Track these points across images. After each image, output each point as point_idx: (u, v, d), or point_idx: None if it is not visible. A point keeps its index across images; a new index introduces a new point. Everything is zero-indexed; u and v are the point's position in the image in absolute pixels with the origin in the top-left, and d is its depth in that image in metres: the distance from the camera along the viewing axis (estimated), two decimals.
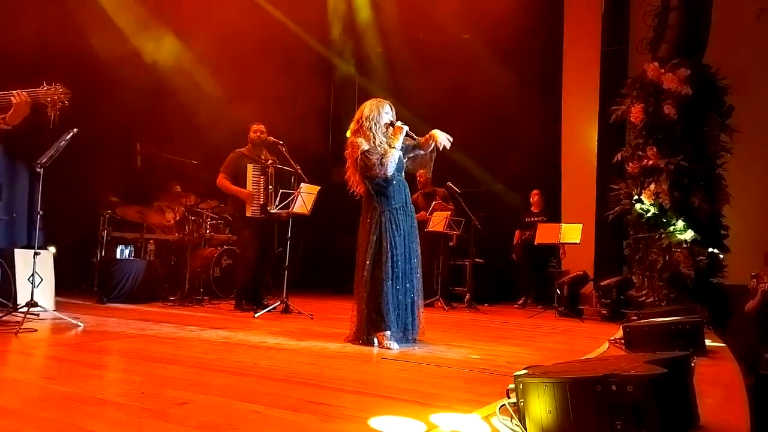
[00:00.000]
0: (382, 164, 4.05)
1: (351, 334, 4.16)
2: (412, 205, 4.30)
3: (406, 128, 4.18)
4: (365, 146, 4.09)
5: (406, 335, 4.08)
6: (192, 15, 8.16)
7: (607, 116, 6.48)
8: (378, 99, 4.30)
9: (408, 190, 4.29)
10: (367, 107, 4.21)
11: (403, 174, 4.28)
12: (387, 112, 4.20)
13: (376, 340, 3.98)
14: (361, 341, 4.04)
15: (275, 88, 8.84)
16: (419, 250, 4.23)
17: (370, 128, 4.13)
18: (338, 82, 10.31)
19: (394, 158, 4.10)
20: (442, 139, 4.21)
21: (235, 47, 8.43)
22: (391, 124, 4.19)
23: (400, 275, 4.03)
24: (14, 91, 3.53)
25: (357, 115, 4.24)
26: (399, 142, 4.15)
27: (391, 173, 4.10)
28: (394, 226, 4.07)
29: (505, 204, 8.82)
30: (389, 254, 4.00)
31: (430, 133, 4.25)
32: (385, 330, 3.96)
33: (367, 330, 4.02)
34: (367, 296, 4.01)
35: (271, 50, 9.04)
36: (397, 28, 9.18)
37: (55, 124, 3.67)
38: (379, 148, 4.10)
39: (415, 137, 4.26)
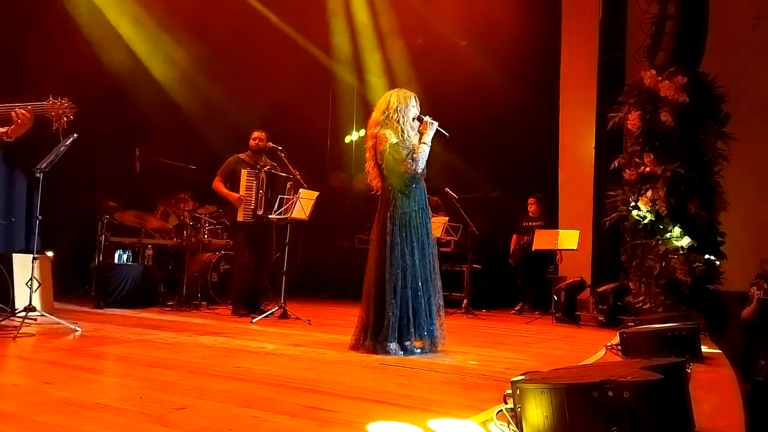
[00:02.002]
0: (413, 159, 3.90)
1: (354, 341, 3.97)
2: (429, 208, 4.13)
3: (436, 124, 4.02)
4: (394, 139, 3.92)
5: (433, 342, 3.94)
6: (192, 21, 8.18)
7: (604, 123, 6.51)
8: (404, 90, 4.11)
9: (426, 192, 4.13)
10: (394, 98, 4.02)
11: (423, 177, 4.11)
12: (413, 106, 4.05)
13: (390, 347, 3.80)
14: (371, 349, 3.85)
15: (274, 93, 8.87)
16: (436, 254, 4.08)
17: (398, 120, 3.97)
18: (337, 88, 10.34)
19: (424, 154, 3.95)
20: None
21: (235, 54, 8.46)
22: (419, 119, 4.03)
23: (421, 281, 3.89)
24: (16, 108, 3.51)
25: (382, 105, 4.05)
26: (429, 137, 3.99)
27: (421, 169, 3.96)
28: (413, 230, 3.92)
29: (502, 210, 8.85)
30: (410, 261, 3.86)
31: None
32: (400, 339, 3.82)
33: (380, 338, 3.83)
34: (384, 303, 3.83)
35: (270, 56, 9.07)
36: (395, 34, 9.21)
37: (61, 136, 3.69)
38: (407, 141, 3.96)
39: (447, 133, 4.07)
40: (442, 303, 4.07)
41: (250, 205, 6.14)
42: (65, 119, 3.61)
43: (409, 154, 3.92)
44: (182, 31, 8.32)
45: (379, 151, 3.97)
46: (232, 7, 8.38)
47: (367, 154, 4.11)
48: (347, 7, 9.52)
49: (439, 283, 4.07)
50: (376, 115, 4.08)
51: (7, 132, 3.53)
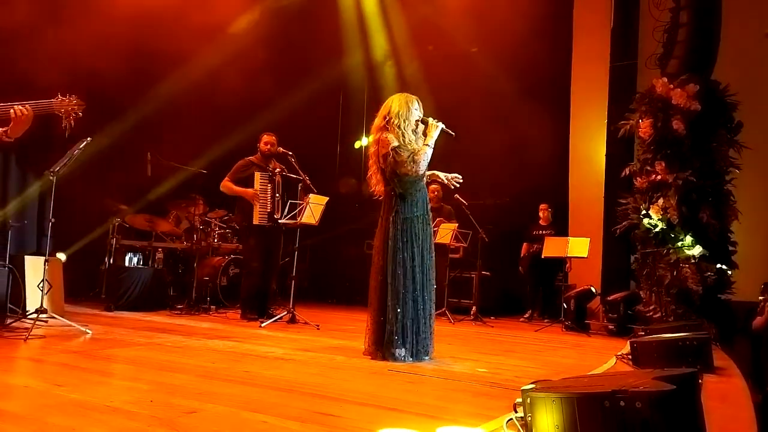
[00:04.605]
0: (414, 161, 3.89)
1: (367, 348, 3.98)
2: (430, 215, 4.13)
3: (441, 125, 4.02)
4: (395, 143, 3.91)
5: (424, 350, 3.93)
6: (203, 26, 8.23)
7: (615, 131, 6.49)
8: (405, 94, 4.10)
9: (428, 197, 4.14)
10: (395, 103, 4.01)
11: (424, 181, 4.13)
12: (416, 109, 4.04)
13: (397, 354, 3.81)
14: (379, 356, 3.86)
15: (285, 98, 8.90)
16: (434, 261, 4.07)
17: (399, 125, 3.96)
18: (347, 94, 10.37)
19: (427, 156, 3.95)
20: (442, 177, 4.28)
21: (246, 59, 8.49)
22: (423, 121, 4.04)
23: (419, 288, 3.90)
24: (15, 105, 3.42)
25: (383, 111, 4.05)
26: (433, 139, 3.98)
27: (422, 171, 3.96)
28: (414, 236, 3.92)
29: (512, 217, 8.82)
30: (410, 266, 3.87)
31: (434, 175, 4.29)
32: (406, 345, 3.83)
33: (385, 343, 3.85)
34: (386, 309, 3.85)
35: (281, 62, 9.11)
36: (406, 41, 9.23)
37: (69, 134, 3.67)
38: (408, 145, 3.94)
39: (452, 133, 4.07)
40: (433, 312, 4.06)
41: (266, 208, 6.13)
42: (74, 116, 3.59)
43: (410, 156, 3.91)
44: (194, 35, 8.37)
45: (382, 155, 3.97)
46: (243, 14, 8.43)
47: (370, 161, 4.12)
48: (358, 14, 9.56)
49: (433, 293, 4.05)
50: (377, 120, 4.09)
51: (6, 131, 3.47)
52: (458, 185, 4.33)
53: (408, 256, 3.89)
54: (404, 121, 3.98)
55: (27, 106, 3.42)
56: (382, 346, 3.88)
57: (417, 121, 4.04)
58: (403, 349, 3.85)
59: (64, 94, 3.64)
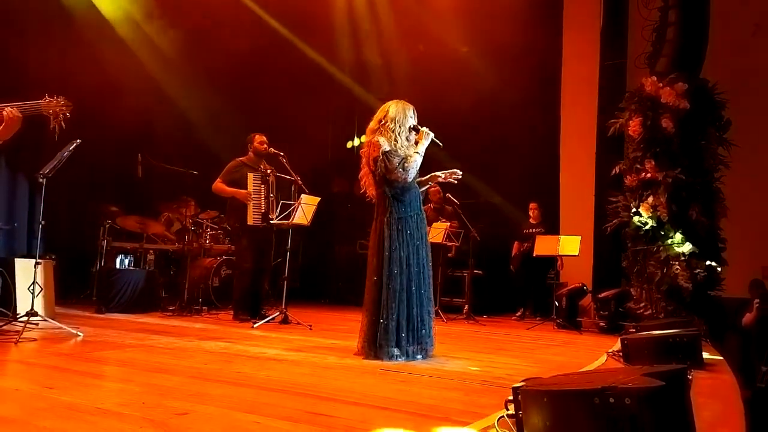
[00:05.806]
0: (404, 169, 3.92)
1: (360, 347, 3.97)
2: (424, 213, 4.17)
3: (432, 135, 4.06)
4: (386, 147, 3.92)
5: (424, 348, 3.95)
6: (195, 28, 8.21)
7: (605, 129, 6.52)
8: (402, 101, 4.13)
9: (421, 198, 4.17)
10: (392, 107, 4.05)
11: (415, 181, 4.15)
12: (411, 116, 4.07)
13: (391, 353, 3.81)
14: (372, 356, 3.85)
15: (275, 98, 8.89)
16: (431, 260, 4.11)
17: (394, 129, 3.98)
18: (337, 94, 10.36)
19: (416, 164, 3.98)
20: (440, 175, 4.25)
21: (236, 59, 8.48)
22: (416, 128, 4.07)
23: (417, 287, 3.91)
24: (6, 107, 3.41)
25: (379, 114, 4.08)
26: (423, 147, 4.03)
27: (411, 178, 3.99)
28: (409, 235, 3.94)
29: (503, 216, 8.85)
30: (406, 265, 3.88)
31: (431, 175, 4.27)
32: (400, 344, 3.84)
33: (380, 343, 3.83)
34: (381, 308, 3.85)
35: (271, 62, 9.09)
36: (397, 40, 9.22)
37: (58, 136, 3.65)
38: (400, 150, 3.96)
39: (441, 143, 4.11)
40: (432, 309, 4.09)
41: (260, 208, 6.11)
42: (62, 117, 3.58)
43: (400, 163, 3.94)
44: (185, 38, 8.35)
45: (372, 158, 3.99)
46: (235, 16, 8.41)
47: (362, 161, 4.15)
48: (349, 14, 9.55)
49: (431, 290, 4.08)
50: (372, 123, 4.12)
51: None
52: (457, 181, 4.29)
53: (404, 255, 3.92)
54: (399, 126, 4.01)
55: (14, 107, 3.39)
56: (375, 346, 3.87)
57: (411, 128, 4.07)
58: (397, 349, 3.85)
59: (51, 96, 3.63)
